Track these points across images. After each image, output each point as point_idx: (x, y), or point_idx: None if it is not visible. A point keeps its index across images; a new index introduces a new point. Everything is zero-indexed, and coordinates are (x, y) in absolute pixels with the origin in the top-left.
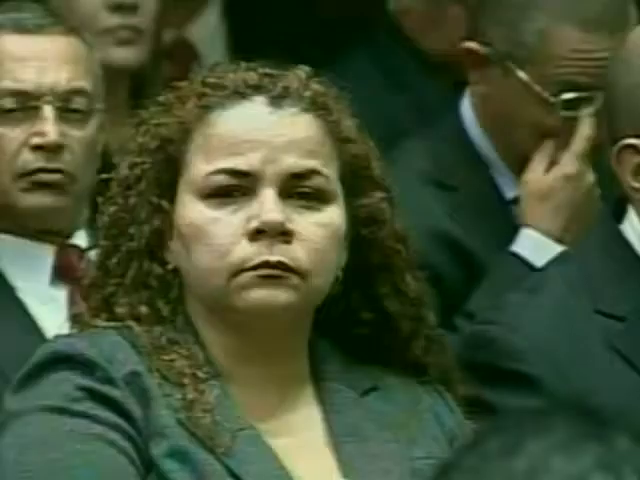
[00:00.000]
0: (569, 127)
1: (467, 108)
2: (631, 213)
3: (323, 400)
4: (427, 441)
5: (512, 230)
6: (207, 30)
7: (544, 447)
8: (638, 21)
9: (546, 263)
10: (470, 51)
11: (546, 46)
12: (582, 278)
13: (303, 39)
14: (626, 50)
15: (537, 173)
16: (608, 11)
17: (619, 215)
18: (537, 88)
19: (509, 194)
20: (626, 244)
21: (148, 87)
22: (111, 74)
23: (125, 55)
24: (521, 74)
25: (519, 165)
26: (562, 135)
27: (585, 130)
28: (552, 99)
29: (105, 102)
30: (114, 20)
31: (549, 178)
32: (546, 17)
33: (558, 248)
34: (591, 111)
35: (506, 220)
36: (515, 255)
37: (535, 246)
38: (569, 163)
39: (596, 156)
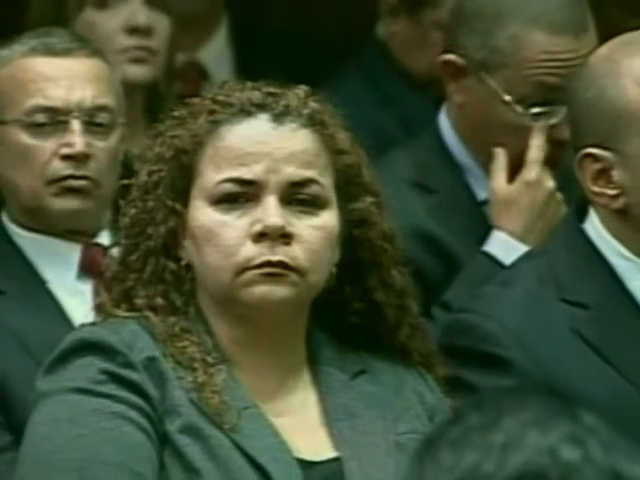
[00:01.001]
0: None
1: (444, 119)
2: (592, 214)
3: (318, 382)
4: (410, 418)
5: (485, 228)
6: (215, 53)
7: (519, 422)
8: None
9: (516, 259)
10: (448, 63)
11: (518, 50)
12: (549, 271)
13: (301, 61)
14: (587, 68)
15: (500, 180)
16: (573, 16)
17: (582, 216)
18: (508, 98)
19: (482, 196)
20: (587, 241)
21: (162, 103)
22: (126, 90)
23: (138, 72)
24: (493, 84)
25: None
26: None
27: (538, 140)
28: (520, 110)
29: (125, 117)
30: (130, 41)
31: (513, 185)
32: (517, 23)
33: (524, 248)
34: (554, 122)
35: (479, 219)
36: (486, 254)
37: (503, 246)
38: (529, 171)
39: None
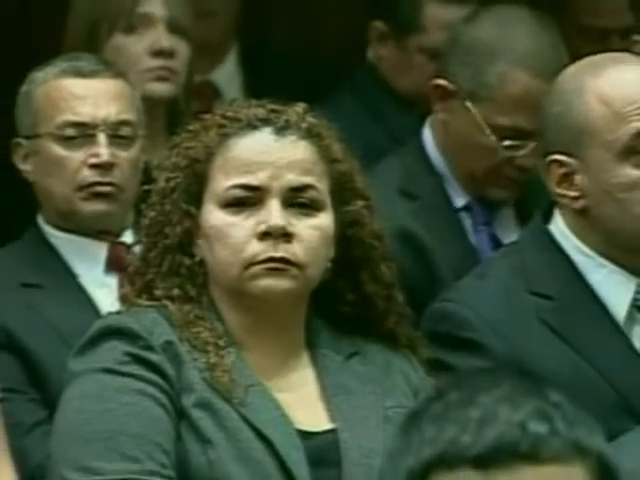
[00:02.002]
0: (509, 158)
1: (427, 133)
2: (557, 216)
3: (316, 363)
4: (397, 394)
5: (460, 232)
6: (227, 74)
7: (493, 399)
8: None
9: (491, 255)
10: (439, 86)
11: (503, 87)
12: (519, 266)
13: (301, 81)
14: (557, 84)
15: None
16: (553, 60)
17: (548, 218)
18: (486, 128)
19: (459, 203)
20: (552, 239)
21: (181, 118)
22: (150, 106)
23: (161, 89)
24: (476, 113)
25: (467, 179)
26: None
27: None
28: (494, 139)
29: (146, 129)
30: (154, 62)
31: None
32: (505, 62)
33: None
34: (522, 154)
35: (455, 223)
36: None
37: None
38: None
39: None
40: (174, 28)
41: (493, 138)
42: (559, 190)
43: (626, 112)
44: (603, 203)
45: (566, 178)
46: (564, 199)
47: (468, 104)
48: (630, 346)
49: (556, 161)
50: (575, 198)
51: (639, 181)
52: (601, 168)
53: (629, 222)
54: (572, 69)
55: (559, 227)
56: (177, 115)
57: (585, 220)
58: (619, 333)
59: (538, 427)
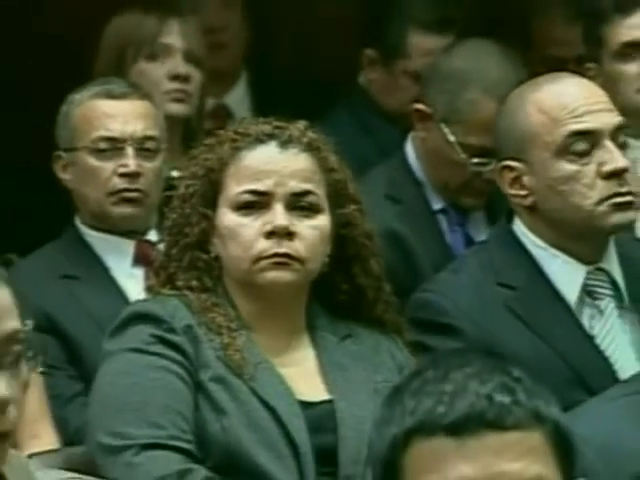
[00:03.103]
0: (477, 172)
1: (410, 147)
2: (516, 216)
3: (315, 343)
4: (385, 370)
5: (438, 232)
6: (237, 98)
7: (464, 375)
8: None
9: (464, 253)
10: (418, 110)
11: (474, 113)
12: (488, 262)
13: (302, 102)
14: (508, 100)
15: None
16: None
17: (511, 218)
18: (458, 148)
19: (436, 207)
20: (514, 237)
21: (194, 135)
22: (168, 124)
23: (178, 109)
24: (449, 133)
25: (443, 188)
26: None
27: None
28: (464, 157)
29: (166, 144)
30: (172, 86)
31: None
32: (476, 91)
33: None
34: (488, 169)
35: (434, 225)
36: None
37: None
38: None
39: None
40: (189, 57)
41: (464, 156)
42: (511, 191)
43: (560, 117)
44: (548, 197)
45: (516, 180)
46: (516, 199)
47: (443, 126)
48: (580, 327)
49: (507, 167)
50: (525, 196)
51: (574, 174)
52: (543, 167)
53: (570, 211)
54: (518, 89)
55: (518, 225)
56: (191, 132)
57: (536, 215)
58: (571, 315)
59: (502, 398)
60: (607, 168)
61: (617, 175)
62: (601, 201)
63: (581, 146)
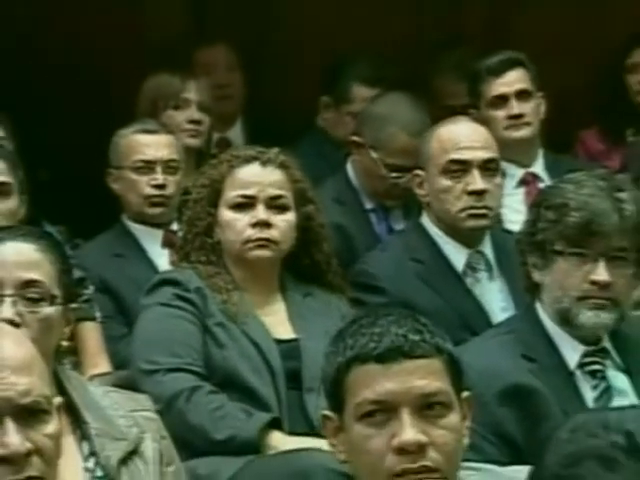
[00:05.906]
0: (395, 184)
1: (349, 167)
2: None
3: (286, 299)
4: (334, 318)
5: (369, 224)
6: (236, 133)
7: (387, 321)
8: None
9: (388, 237)
10: (354, 141)
11: (391, 143)
12: (404, 244)
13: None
14: (429, 130)
15: None
16: (422, 128)
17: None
18: (382, 167)
19: (368, 206)
20: (422, 227)
21: (204, 159)
22: (186, 152)
23: (193, 142)
24: (375, 157)
25: (372, 194)
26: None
27: None
28: (386, 172)
29: (184, 165)
30: (190, 126)
31: None
32: (394, 127)
33: None
34: (404, 180)
35: (366, 219)
36: None
37: None
38: None
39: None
40: (202, 107)
41: (385, 172)
42: (418, 192)
43: (447, 147)
44: (435, 200)
45: (421, 184)
46: (421, 197)
47: (371, 151)
48: (465, 289)
49: (417, 174)
50: (425, 196)
51: (448, 188)
52: (433, 180)
53: (446, 213)
54: (432, 129)
55: (426, 219)
56: (202, 157)
57: (433, 211)
58: (459, 281)
59: (414, 337)
60: (470, 188)
61: (477, 193)
62: (462, 210)
63: (457, 169)
